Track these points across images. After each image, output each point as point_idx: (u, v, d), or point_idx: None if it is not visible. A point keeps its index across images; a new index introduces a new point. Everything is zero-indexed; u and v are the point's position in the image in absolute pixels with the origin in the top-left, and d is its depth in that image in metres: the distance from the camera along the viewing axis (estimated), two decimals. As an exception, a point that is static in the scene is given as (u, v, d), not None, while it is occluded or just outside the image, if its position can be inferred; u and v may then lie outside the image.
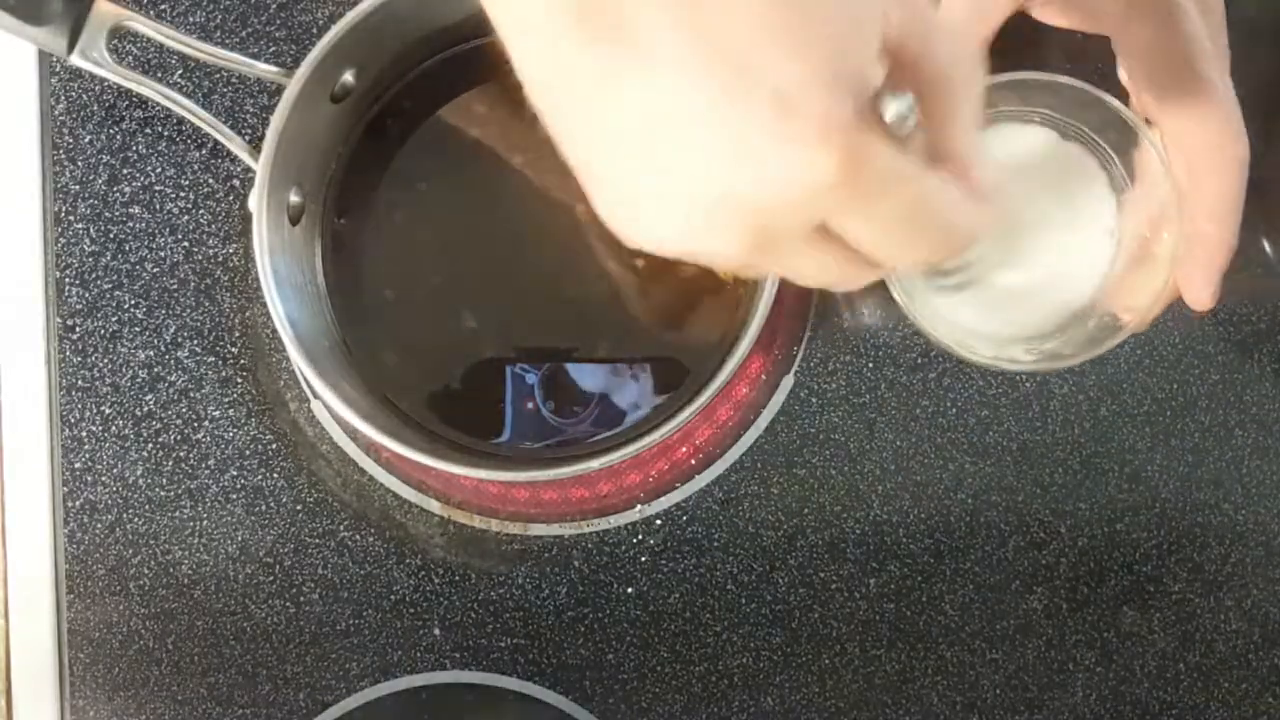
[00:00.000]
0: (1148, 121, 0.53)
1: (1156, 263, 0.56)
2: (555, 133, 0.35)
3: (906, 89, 0.34)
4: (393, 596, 0.62)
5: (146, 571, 0.63)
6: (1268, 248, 0.63)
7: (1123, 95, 0.57)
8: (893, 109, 0.34)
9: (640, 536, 0.63)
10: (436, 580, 0.62)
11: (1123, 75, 0.53)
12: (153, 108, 0.63)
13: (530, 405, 0.58)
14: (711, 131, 0.32)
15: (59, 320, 0.63)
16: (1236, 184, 0.51)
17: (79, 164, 0.64)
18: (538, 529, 0.63)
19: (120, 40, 0.63)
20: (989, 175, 0.38)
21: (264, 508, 0.63)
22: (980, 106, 0.37)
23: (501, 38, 0.34)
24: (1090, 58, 0.63)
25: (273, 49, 0.64)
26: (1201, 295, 0.52)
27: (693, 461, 0.62)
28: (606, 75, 0.32)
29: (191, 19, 0.64)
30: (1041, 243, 0.60)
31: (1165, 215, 0.56)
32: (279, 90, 0.53)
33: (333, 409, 0.55)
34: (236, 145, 0.55)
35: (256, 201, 0.53)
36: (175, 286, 0.63)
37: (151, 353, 0.63)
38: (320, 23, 0.64)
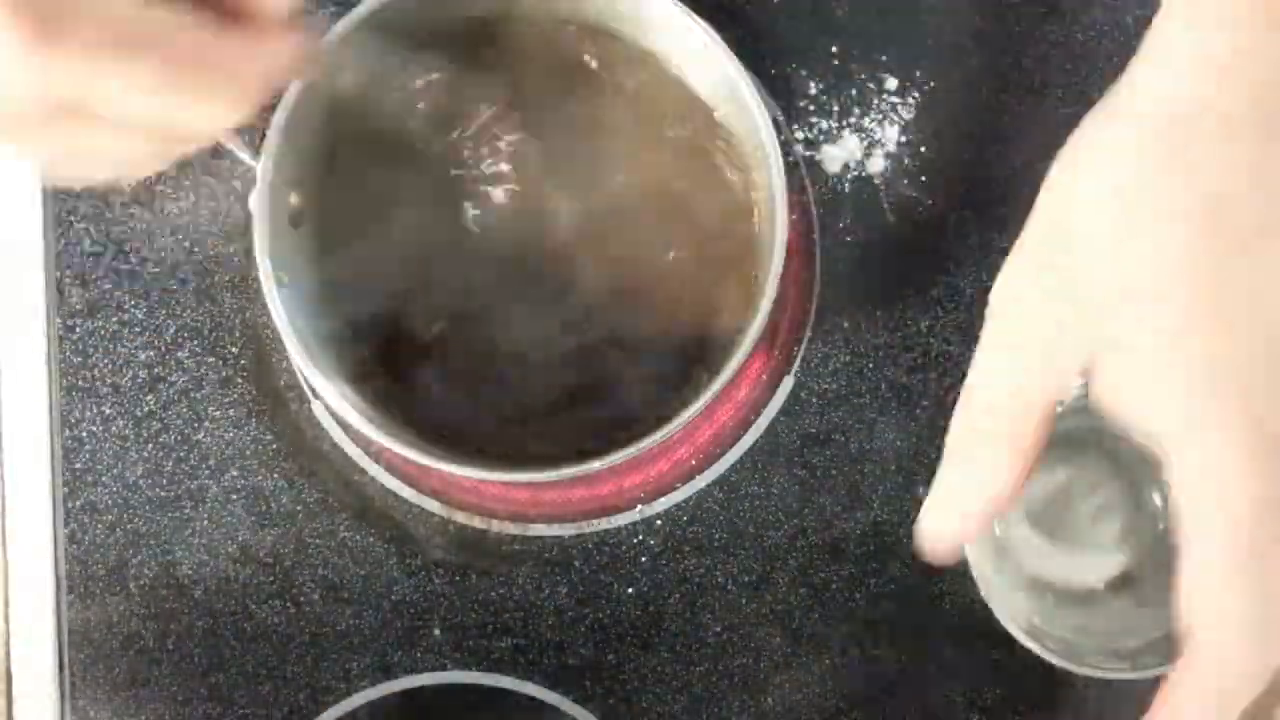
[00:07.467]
0: None
1: None
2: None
3: None
4: (393, 596, 0.62)
5: (146, 571, 0.63)
6: (1268, 248, 0.63)
7: None
8: None
9: (640, 536, 0.63)
10: (436, 580, 0.62)
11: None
12: (153, 108, 0.63)
13: (530, 405, 0.58)
14: None
15: (59, 320, 0.63)
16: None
17: (79, 164, 0.63)
18: (538, 529, 0.62)
19: (120, 40, 0.63)
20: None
21: (264, 508, 0.63)
22: None
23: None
24: (1089, 69, 0.63)
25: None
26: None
27: (693, 461, 0.62)
28: None
29: (191, 19, 0.64)
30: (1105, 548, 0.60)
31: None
32: (279, 90, 0.53)
33: (333, 409, 0.55)
34: (236, 145, 0.55)
35: (256, 201, 0.53)
36: (175, 286, 0.63)
37: (152, 353, 0.63)
38: (320, 23, 0.64)
